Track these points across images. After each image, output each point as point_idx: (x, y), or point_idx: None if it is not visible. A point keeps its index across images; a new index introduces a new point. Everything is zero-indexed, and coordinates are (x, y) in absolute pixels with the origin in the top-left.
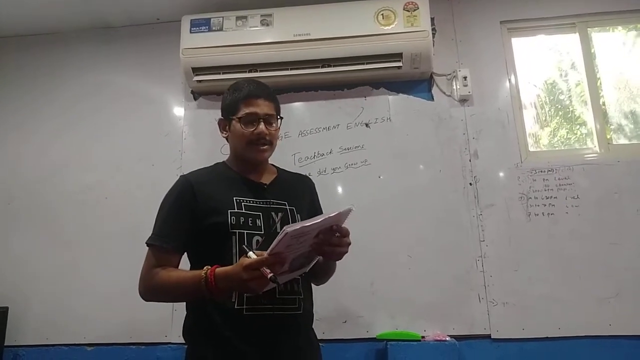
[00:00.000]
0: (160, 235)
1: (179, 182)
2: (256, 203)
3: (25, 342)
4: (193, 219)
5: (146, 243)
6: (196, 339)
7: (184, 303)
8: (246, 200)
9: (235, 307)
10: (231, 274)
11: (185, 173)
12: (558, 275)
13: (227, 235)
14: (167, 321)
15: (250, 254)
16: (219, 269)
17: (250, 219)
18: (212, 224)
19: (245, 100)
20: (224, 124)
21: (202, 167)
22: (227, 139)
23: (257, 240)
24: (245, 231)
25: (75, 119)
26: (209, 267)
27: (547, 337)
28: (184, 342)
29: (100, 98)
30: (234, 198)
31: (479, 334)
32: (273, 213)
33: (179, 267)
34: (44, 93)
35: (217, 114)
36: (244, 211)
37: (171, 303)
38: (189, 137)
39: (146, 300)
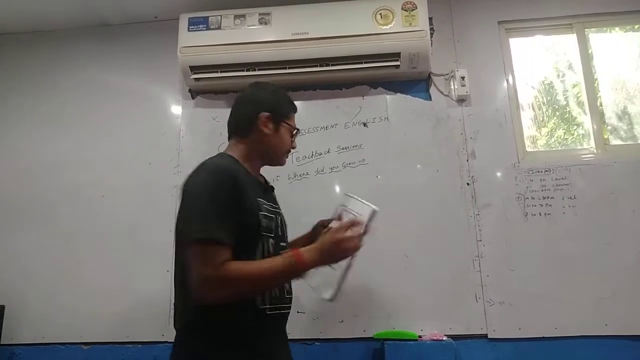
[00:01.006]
0: (218, 229)
1: (223, 174)
2: (270, 206)
3: (22, 340)
4: (236, 215)
5: (199, 237)
6: (220, 341)
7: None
8: (264, 203)
9: (260, 306)
10: (323, 243)
11: (182, 172)
12: (554, 275)
13: (257, 238)
14: (164, 320)
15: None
16: (302, 249)
17: (269, 221)
18: (247, 224)
19: (294, 114)
20: (268, 121)
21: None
22: (257, 134)
23: (272, 244)
24: (266, 234)
25: (72, 117)
26: (288, 251)
27: (543, 337)
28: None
29: (97, 96)
30: (258, 199)
31: (475, 333)
32: (278, 217)
33: None
34: (41, 91)
35: (215, 112)
36: (264, 213)
37: (169, 302)
38: (186, 136)
39: (216, 299)
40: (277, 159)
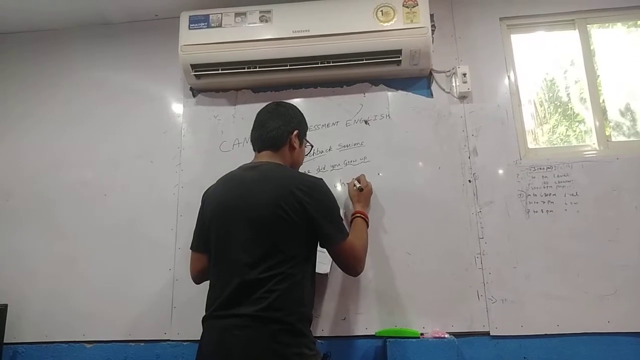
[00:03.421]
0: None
1: None
2: None
3: (24, 339)
4: None
5: (347, 233)
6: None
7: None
8: None
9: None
10: (365, 198)
11: (183, 170)
12: (557, 272)
13: None
14: (167, 319)
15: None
16: (358, 207)
17: None
18: None
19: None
20: (296, 137)
21: (201, 162)
22: (286, 148)
23: None
24: None
25: (74, 116)
26: (356, 214)
27: (545, 334)
28: (184, 339)
29: (98, 95)
30: None
31: (478, 331)
32: None
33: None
34: (42, 90)
35: (216, 110)
36: None
37: (171, 300)
38: (187, 134)
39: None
40: (297, 169)
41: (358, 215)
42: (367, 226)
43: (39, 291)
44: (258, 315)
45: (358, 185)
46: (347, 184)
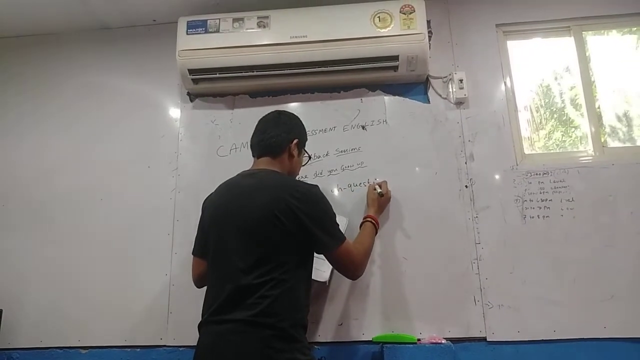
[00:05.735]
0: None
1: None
2: None
3: (19, 344)
4: None
5: (342, 239)
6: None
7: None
8: None
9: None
10: (382, 204)
11: (180, 175)
12: (553, 277)
13: None
14: (163, 324)
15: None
16: (371, 212)
17: None
18: None
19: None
20: (295, 147)
21: (198, 167)
22: (285, 156)
23: None
24: None
25: (71, 120)
26: (367, 218)
27: (542, 340)
28: (180, 345)
29: (96, 99)
30: None
31: (474, 336)
32: None
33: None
34: (39, 94)
35: (213, 115)
36: None
37: (168, 306)
38: (185, 139)
39: (364, 270)
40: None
41: (369, 220)
42: (376, 232)
43: (34, 296)
44: (251, 321)
45: (379, 190)
46: (368, 185)
